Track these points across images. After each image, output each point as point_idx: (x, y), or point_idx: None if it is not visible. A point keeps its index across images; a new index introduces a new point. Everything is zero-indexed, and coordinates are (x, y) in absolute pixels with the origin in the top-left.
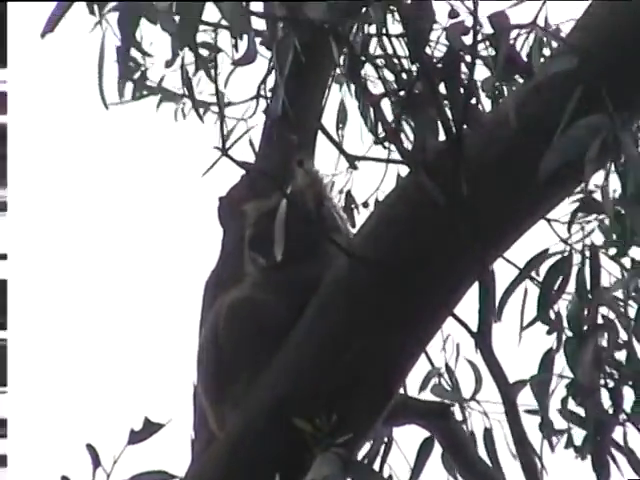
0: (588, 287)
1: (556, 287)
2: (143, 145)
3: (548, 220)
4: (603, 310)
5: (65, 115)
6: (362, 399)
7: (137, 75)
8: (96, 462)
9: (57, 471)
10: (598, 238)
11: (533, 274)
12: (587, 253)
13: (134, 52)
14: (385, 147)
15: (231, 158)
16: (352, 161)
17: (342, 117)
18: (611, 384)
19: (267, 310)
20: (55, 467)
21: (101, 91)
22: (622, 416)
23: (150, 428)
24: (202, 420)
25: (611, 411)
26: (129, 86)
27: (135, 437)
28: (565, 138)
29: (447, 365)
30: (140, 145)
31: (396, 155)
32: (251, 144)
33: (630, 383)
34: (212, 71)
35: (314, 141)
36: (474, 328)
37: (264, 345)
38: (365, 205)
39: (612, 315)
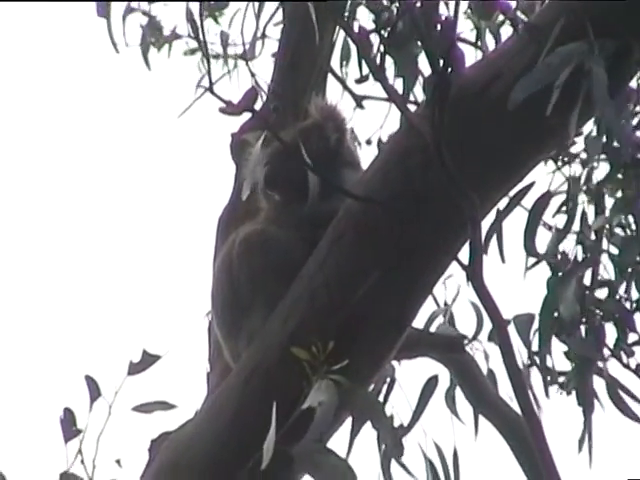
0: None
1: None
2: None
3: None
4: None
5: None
6: (373, 331)
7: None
8: (95, 393)
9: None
10: None
11: None
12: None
13: None
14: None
15: (216, 95)
16: (359, 100)
17: (345, 55)
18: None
19: (281, 243)
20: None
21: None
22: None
23: (148, 360)
24: (217, 353)
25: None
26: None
27: (134, 368)
28: (540, 66)
29: (446, 303)
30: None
31: None
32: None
33: (613, 319)
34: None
35: (325, 80)
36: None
37: (278, 278)
38: (368, 142)
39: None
